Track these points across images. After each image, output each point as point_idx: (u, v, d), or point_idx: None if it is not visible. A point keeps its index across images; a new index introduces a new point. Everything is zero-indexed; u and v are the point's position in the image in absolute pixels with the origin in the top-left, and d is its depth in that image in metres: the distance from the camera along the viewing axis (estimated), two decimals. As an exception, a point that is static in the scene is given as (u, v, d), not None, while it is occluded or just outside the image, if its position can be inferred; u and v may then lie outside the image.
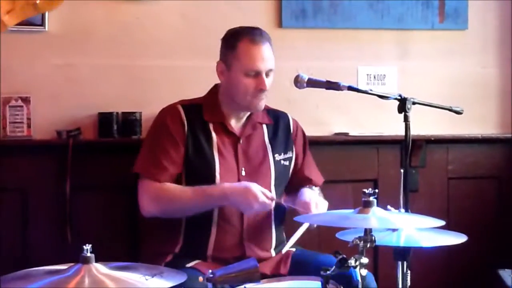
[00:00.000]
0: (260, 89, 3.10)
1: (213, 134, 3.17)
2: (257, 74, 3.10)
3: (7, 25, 2.44)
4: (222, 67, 3.18)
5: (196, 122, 3.17)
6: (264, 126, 3.30)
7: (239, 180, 3.13)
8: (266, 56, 3.12)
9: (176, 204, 3.08)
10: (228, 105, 3.21)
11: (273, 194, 3.15)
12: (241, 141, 3.20)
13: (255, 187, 2.99)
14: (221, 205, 3.07)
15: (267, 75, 3.12)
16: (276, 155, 3.26)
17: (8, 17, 2.45)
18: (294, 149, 3.34)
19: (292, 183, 3.35)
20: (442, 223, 2.49)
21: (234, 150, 3.19)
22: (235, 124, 3.22)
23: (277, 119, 3.35)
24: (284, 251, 3.05)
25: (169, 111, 3.21)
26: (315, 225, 3.00)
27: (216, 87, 3.28)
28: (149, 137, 3.27)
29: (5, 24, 2.41)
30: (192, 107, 3.21)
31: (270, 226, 3.21)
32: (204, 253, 3.10)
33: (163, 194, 3.09)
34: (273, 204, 3.04)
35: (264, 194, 2.99)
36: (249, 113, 3.25)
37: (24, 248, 3.64)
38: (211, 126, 3.18)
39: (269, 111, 3.35)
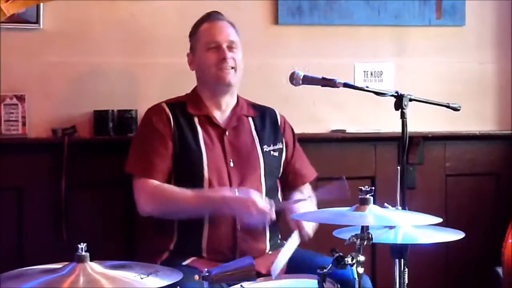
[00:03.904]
0: (222, 58, 3.19)
1: (199, 128, 3.21)
2: (218, 47, 3.21)
3: (6, 14, 2.42)
4: (190, 56, 3.33)
5: (181, 117, 3.22)
6: (250, 119, 3.33)
7: (228, 172, 3.16)
8: (224, 30, 3.26)
9: (174, 205, 3.09)
10: (207, 95, 3.27)
11: (263, 185, 3.19)
12: (227, 133, 3.23)
13: (255, 194, 3.00)
14: (218, 212, 3.05)
15: (230, 48, 3.22)
16: (265, 146, 3.28)
17: (7, 4, 2.43)
18: (283, 141, 3.35)
19: (285, 179, 3.35)
20: (439, 220, 2.48)
21: (220, 141, 3.21)
22: (219, 117, 3.26)
23: (263, 113, 3.39)
24: (276, 270, 2.87)
25: (154, 110, 3.27)
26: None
27: (197, 85, 3.34)
28: (137, 137, 3.32)
29: (4, 12, 2.39)
30: (176, 104, 3.28)
31: None
32: (199, 246, 3.10)
33: (161, 194, 3.11)
34: (272, 213, 3.02)
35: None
36: (232, 105, 3.30)
37: (20, 246, 3.63)
38: (196, 120, 3.22)
39: (254, 106, 3.41)
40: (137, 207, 3.15)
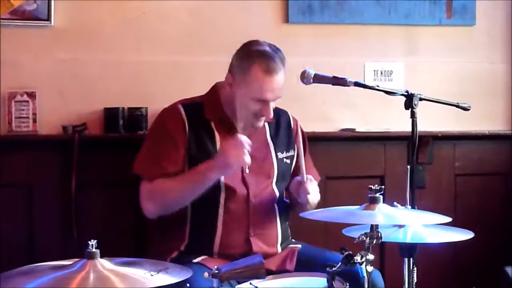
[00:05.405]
0: (264, 115, 3.09)
1: (215, 132, 3.16)
2: (264, 102, 3.07)
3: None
4: (231, 81, 3.11)
5: (198, 120, 3.15)
6: (266, 124, 3.28)
7: (243, 178, 3.13)
8: (277, 86, 3.06)
9: (169, 194, 3.04)
10: (228, 108, 3.17)
11: (276, 191, 3.19)
12: None
13: (227, 144, 2.98)
14: (210, 180, 2.99)
15: (274, 100, 3.10)
16: (279, 153, 3.25)
17: None
18: (295, 147, 3.31)
19: (290, 182, 3.31)
20: (448, 219, 2.48)
21: None
22: (237, 122, 3.19)
23: (278, 117, 3.32)
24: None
25: (169, 112, 3.20)
26: None
27: (216, 86, 3.25)
28: (149, 138, 3.25)
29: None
30: (193, 105, 3.19)
31: (275, 221, 3.20)
32: (210, 250, 3.09)
33: (155, 190, 3.07)
34: (248, 147, 2.95)
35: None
36: None
37: (30, 243, 3.64)
38: (212, 124, 3.17)
39: None
40: (142, 211, 3.13)
